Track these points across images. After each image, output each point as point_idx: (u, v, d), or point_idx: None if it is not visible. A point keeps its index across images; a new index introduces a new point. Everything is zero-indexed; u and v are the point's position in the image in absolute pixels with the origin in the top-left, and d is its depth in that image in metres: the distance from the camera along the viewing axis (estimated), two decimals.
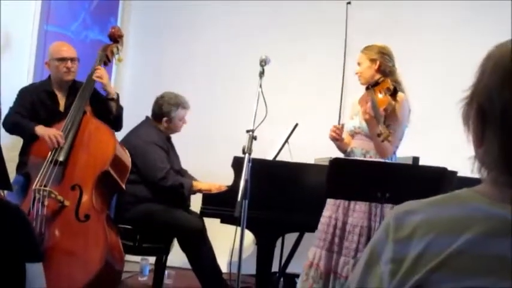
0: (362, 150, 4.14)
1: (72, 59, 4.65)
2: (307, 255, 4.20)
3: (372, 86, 4.15)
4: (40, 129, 4.36)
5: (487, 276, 1.06)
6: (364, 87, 4.22)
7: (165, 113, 5.17)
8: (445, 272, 1.08)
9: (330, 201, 4.13)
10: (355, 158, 4.07)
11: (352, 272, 1.26)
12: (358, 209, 4.01)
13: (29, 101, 4.59)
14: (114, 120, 4.75)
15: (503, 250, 1.06)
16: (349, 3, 4.24)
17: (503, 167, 1.11)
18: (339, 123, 4.19)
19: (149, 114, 5.25)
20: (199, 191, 4.95)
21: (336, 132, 4.15)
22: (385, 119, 3.90)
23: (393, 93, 4.08)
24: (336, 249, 4.04)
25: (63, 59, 4.63)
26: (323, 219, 4.13)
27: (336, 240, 4.05)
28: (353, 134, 4.21)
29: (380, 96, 4.02)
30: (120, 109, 4.78)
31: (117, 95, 4.78)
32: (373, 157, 4.08)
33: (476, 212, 1.11)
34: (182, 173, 5.26)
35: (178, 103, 5.21)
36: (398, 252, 1.14)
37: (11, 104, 4.57)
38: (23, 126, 4.47)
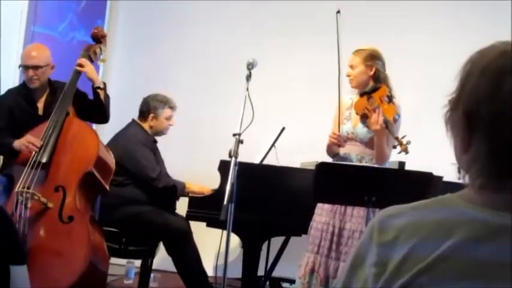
0: (357, 156, 4.14)
1: (34, 67, 4.50)
2: (299, 261, 4.18)
3: (368, 93, 4.15)
4: (18, 143, 4.29)
5: (472, 280, 1.06)
6: (352, 89, 4.23)
7: (152, 108, 5.19)
8: (429, 276, 1.08)
9: (324, 207, 4.11)
10: (352, 163, 4.07)
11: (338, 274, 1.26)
12: (356, 214, 4.00)
13: (6, 108, 4.51)
14: (102, 111, 4.70)
15: (488, 254, 1.06)
16: (338, 12, 4.21)
17: (491, 173, 1.11)
18: (339, 128, 4.18)
19: (136, 116, 5.25)
20: (191, 193, 4.95)
21: (337, 140, 4.14)
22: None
23: (390, 100, 4.10)
24: (333, 255, 4.04)
25: (25, 67, 4.53)
26: (318, 225, 4.11)
27: (334, 246, 4.04)
28: (345, 139, 4.20)
29: (385, 105, 4.03)
30: (107, 98, 4.72)
31: (104, 84, 4.70)
32: (368, 163, 4.09)
33: (461, 217, 1.11)
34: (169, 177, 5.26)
35: (165, 101, 5.24)
36: (382, 256, 1.14)
37: None
38: (3, 145, 4.40)
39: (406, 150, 3.85)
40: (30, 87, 4.56)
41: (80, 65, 4.56)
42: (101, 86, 4.64)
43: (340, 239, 4.03)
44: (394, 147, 3.92)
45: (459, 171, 1.16)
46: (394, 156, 4.10)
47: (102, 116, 4.75)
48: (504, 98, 1.08)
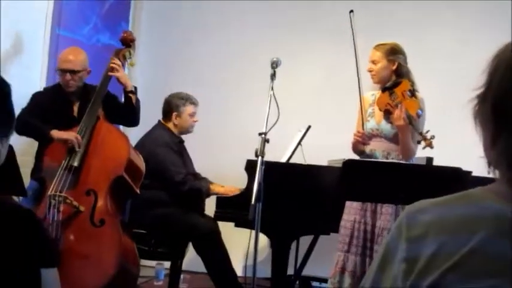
0: (383, 152, 4.12)
1: (72, 72, 4.57)
2: (327, 259, 4.16)
3: (390, 88, 4.13)
4: (56, 133, 4.34)
5: (501, 277, 1.04)
6: (374, 85, 4.21)
7: (174, 107, 5.22)
8: (458, 273, 1.07)
9: (354, 205, 4.09)
10: (378, 159, 4.05)
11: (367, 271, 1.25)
12: (385, 212, 3.98)
13: (42, 105, 4.56)
14: (133, 114, 4.76)
15: None
16: (351, 11, 4.21)
17: None
18: (362, 126, 4.16)
19: (161, 117, 5.28)
20: (216, 194, 4.95)
21: (362, 138, 4.13)
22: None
23: (412, 94, 4.08)
24: (368, 253, 4.02)
25: (62, 71, 4.60)
26: (347, 224, 4.09)
27: (368, 244, 4.02)
28: (370, 136, 4.18)
29: (407, 100, 4.01)
30: (138, 102, 4.77)
31: (135, 88, 4.76)
32: (395, 159, 4.07)
33: (488, 211, 1.09)
34: (197, 176, 5.27)
35: (187, 98, 5.27)
36: (411, 251, 1.13)
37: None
38: (36, 127, 4.41)
39: (430, 145, 3.82)
40: (66, 90, 4.62)
41: (113, 69, 4.60)
42: (133, 89, 4.69)
43: (373, 236, 4.01)
44: (419, 142, 3.89)
45: (489, 166, 1.15)
46: (420, 152, 4.07)
47: (133, 120, 4.80)
48: None
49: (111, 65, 4.63)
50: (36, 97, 4.63)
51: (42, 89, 4.88)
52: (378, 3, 6.16)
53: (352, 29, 4.18)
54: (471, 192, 1.15)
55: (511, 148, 1.09)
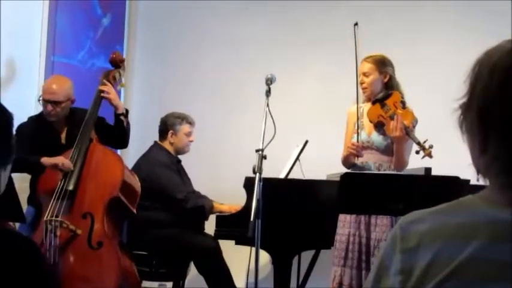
0: (375, 163, 4.12)
1: (54, 103, 4.49)
2: (329, 273, 4.15)
3: (381, 100, 4.13)
4: (46, 160, 4.30)
5: (499, 283, 1.04)
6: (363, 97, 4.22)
7: (169, 126, 5.22)
8: (455, 281, 1.06)
9: (348, 218, 4.09)
10: (375, 171, 4.05)
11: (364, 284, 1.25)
12: (380, 223, 3.98)
13: (28, 137, 4.45)
14: (123, 137, 4.72)
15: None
16: (356, 24, 4.22)
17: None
18: (357, 139, 4.16)
19: (157, 138, 5.28)
20: (220, 212, 4.94)
21: (356, 150, 4.13)
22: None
23: (404, 106, 4.09)
24: (364, 266, 4.00)
25: (43, 101, 4.52)
26: (342, 237, 4.08)
27: (364, 257, 4.01)
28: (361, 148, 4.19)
29: (401, 111, 4.02)
30: (128, 125, 4.72)
31: (127, 110, 4.72)
32: (386, 170, 4.07)
33: (482, 218, 1.09)
34: (197, 195, 5.27)
35: (183, 117, 5.27)
36: (406, 263, 1.12)
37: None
38: (27, 161, 4.32)
39: (430, 155, 3.83)
40: (48, 120, 4.57)
41: (103, 91, 4.57)
42: (124, 112, 4.65)
43: (368, 249, 4.00)
44: (417, 152, 3.89)
45: (478, 173, 1.15)
46: (419, 162, 4.06)
47: (122, 142, 4.77)
48: None
49: (101, 87, 4.61)
50: (22, 129, 4.45)
51: (25, 121, 4.80)
52: (378, 15, 6.17)
53: (356, 42, 4.18)
54: (463, 201, 1.15)
55: (501, 154, 1.09)
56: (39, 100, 4.59)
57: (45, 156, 4.33)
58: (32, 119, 4.71)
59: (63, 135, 4.64)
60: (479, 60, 1.15)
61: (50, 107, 4.49)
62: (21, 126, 4.52)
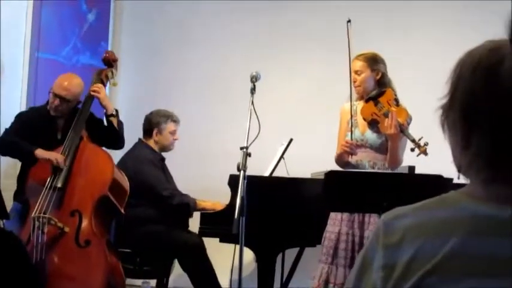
0: (369, 162, 4.11)
1: (61, 97, 4.53)
2: (313, 271, 4.15)
3: (374, 98, 4.12)
4: (41, 152, 4.31)
5: (479, 277, 1.06)
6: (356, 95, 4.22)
7: (154, 124, 5.22)
8: (437, 276, 1.07)
9: (339, 216, 4.07)
10: (365, 170, 4.05)
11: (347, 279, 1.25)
12: (373, 222, 3.97)
13: (27, 125, 4.52)
14: (116, 137, 4.74)
15: (493, 249, 1.06)
16: (349, 21, 4.20)
17: (497, 165, 1.11)
18: (351, 137, 4.15)
19: (141, 136, 5.28)
20: (203, 209, 4.94)
21: (350, 148, 4.11)
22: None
23: (397, 103, 4.09)
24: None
25: (52, 94, 4.56)
26: (332, 235, 4.06)
27: (356, 255, 4.00)
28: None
29: (395, 108, 4.01)
30: (120, 124, 4.76)
31: (116, 110, 4.75)
32: (381, 168, 4.07)
33: (464, 213, 1.11)
34: (179, 192, 5.26)
35: (168, 115, 5.27)
36: (389, 258, 1.13)
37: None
38: (21, 147, 4.37)
39: (425, 152, 3.81)
40: (50, 113, 4.60)
41: (94, 91, 4.60)
42: (114, 113, 4.67)
43: (361, 248, 3.99)
44: (412, 150, 3.87)
45: (459, 170, 1.17)
46: (414, 159, 4.05)
47: (117, 143, 4.78)
48: (500, 90, 1.09)
49: (93, 86, 4.63)
50: (22, 117, 4.60)
51: (27, 109, 4.86)
52: (371, 12, 6.18)
53: (349, 39, 4.16)
54: (446, 196, 1.16)
55: (483, 149, 1.11)
56: (49, 92, 4.61)
57: (39, 148, 4.34)
58: (33, 109, 4.79)
59: (60, 131, 4.65)
60: (461, 60, 1.17)
61: (57, 102, 4.54)
62: (22, 113, 4.67)
